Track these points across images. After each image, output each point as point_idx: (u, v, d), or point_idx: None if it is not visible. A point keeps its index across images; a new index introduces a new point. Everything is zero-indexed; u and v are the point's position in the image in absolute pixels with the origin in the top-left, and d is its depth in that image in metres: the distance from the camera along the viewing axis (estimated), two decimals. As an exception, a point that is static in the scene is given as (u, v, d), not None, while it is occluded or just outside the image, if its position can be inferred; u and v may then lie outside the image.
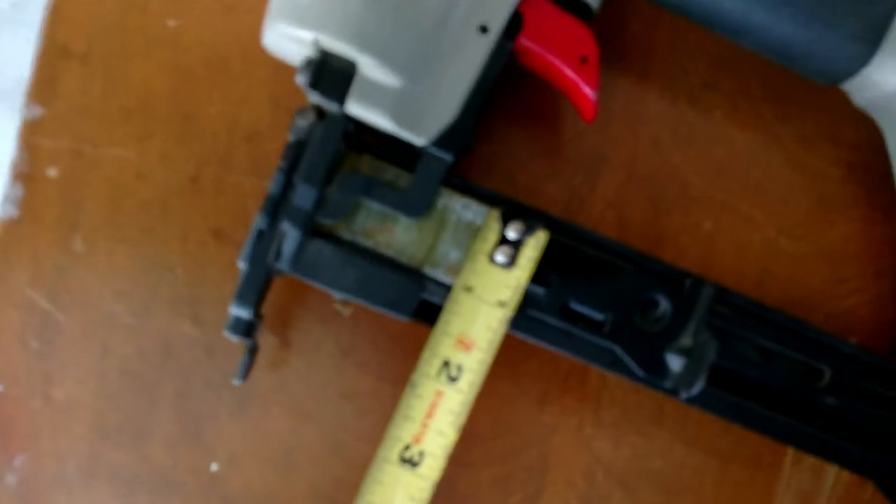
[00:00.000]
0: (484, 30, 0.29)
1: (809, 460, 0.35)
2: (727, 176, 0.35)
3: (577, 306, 0.31)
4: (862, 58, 0.30)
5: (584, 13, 0.30)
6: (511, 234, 0.30)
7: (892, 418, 0.32)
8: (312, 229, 0.29)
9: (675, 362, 0.30)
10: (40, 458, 0.33)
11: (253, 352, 0.31)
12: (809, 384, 0.32)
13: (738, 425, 0.32)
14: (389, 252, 0.30)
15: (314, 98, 0.28)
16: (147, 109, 0.33)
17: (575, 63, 0.30)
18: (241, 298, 0.29)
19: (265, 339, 0.33)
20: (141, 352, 0.33)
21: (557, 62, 0.30)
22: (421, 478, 0.29)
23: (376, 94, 0.28)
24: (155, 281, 0.33)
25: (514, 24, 0.29)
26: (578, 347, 0.31)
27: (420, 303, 0.30)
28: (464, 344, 0.30)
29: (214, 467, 0.33)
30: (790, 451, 0.35)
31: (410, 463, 0.29)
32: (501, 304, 0.30)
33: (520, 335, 0.31)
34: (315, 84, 0.27)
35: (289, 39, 0.28)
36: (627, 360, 0.31)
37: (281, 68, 0.33)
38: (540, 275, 0.30)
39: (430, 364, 0.30)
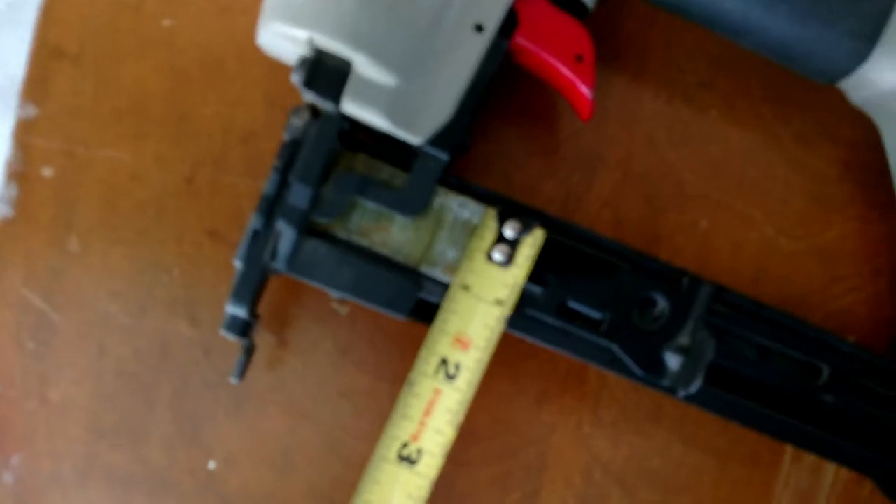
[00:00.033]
0: (479, 28, 0.29)
1: (808, 458, 0.35)
2: (723, 174, 0.35)
3: (574, 305, 0.31)
4: (859, 56, 0.30)
5: (579, 11, 0.30)
6: (508, 232, 0.30)
7: (890, 416, 0.32)
8: (308, 228, 0.29)
9: (672, 361, 0.30)
10: (36, 459, 0.33)
11: (249, 351, 0.31)
12: (807, 382, 0.32)
13: (736, 424, 0.32)
14: (385, 251, 0.30)
15: (309, 97, 0.28)
16: (141, 110, 0.33)
17: (571, 61, 0.30)
18: (237, 297, 0.29)
19: (262, 338, 0.33)
20: (137, 352, 0.33)
21: (553, 61, 0.30)
22: (419, 476, 0.29)
23: (372, 93, 0.28)
24: (151, 281, 0.33)
25: (510, 23, 0.29)
26: (576, 346, 0.31)
27: (417, 302, 0.30)
28: (461, 342, 0.30)
29: (211, 467, 0.33)
30: (789, 450, 0.35)
31: (408, 461, 0.29)
32: (499, 303, 0.30)
33: (517, 334, 0.31)
34: (310, 83, 0.27)
35: (283, 38, 0.28)
36: (625, 358, 0.31)
37: (276, 68, 0.33)
38: (537, 274, 0.30)
39: (427, 363, 0.30)
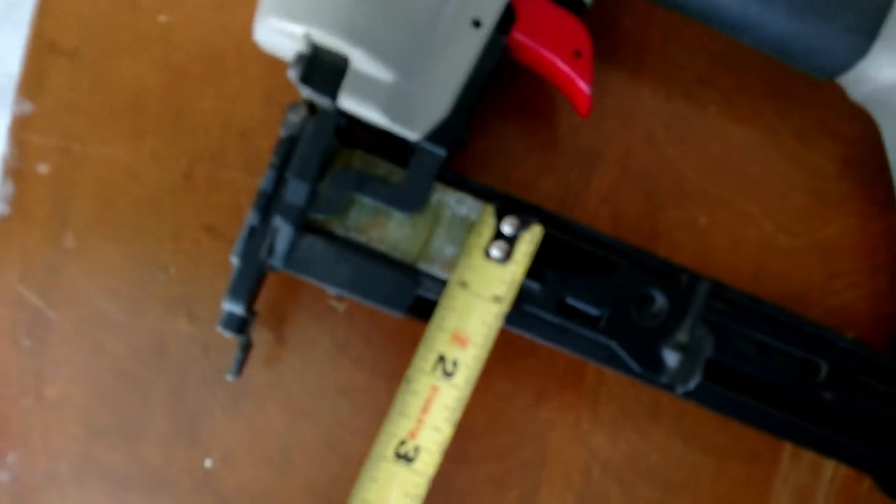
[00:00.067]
0: (477, 24, 0.29)
1: (807, 455, 0.34)
2: (722, 171, 0.35)
3: (572, 301, 0.31)
4: (858, 51, 0.30)
5: (576, 7, 0.30)
6: (506, 229, 0.30)
7: (888, 413, 0.32)
8: (305, 225, 0.29)
9: (671, 358, 0.30)
10: (32, 457, 0.33)
11: (247, 348, 0.31)
12: (806, 379, 0.32)
13: (735, 420, 0.32)
14: (383, 247, 0.30)
15: (306, 93, 0.28)
16: (138, 107, 0.33)
17: (569, 57, 0.30)
18: (234, 294, 0.29)
19: (259, 335, 0.33)
20: (134, 349, 0.33)
21: (551, 56, 0.30)
22: (416, 473, 0.29)
23: (369, 89, 0.28)
24: (147, 278, 0.33)
25: (507, 18, 0.29)
26: (574, 343, 0.31)
27: (415, 298, 0.30)
28: (459, 339, 0.30)
29: (209, 465, 0.33)
30: (787, 447, 0.35)
31: (406, 459, 0.29)
32: (497, 300, 0.30)
33: (515, 330, 0.31)
34: (306, 78, 0.27)
35: (280, 34, 0.28)
36: (624, 355, 0.31)
37: (274, 64, 0.33)
38: (535, 270, 0.30)
39: (425, 359, 0.29)
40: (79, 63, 0.33)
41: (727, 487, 0.34)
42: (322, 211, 0.29)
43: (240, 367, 0.31)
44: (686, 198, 0.35)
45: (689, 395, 0.31)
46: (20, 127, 0.33)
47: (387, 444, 0.29)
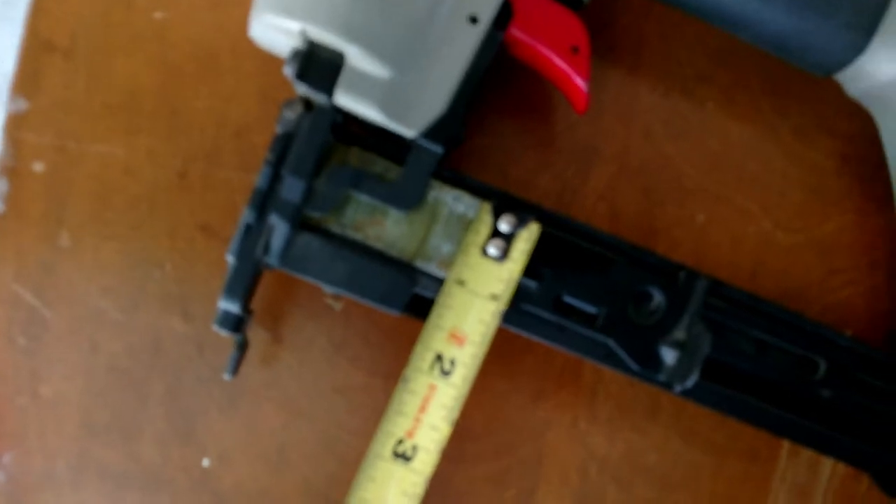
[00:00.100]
0: (473, 20, 0.29)
1: (805, 453, 0.34)
2: (721, 168, 0.35)
3: (570, 299, 0.30)
4: (856, 47, 0.30)
5: (574, 3, 0.30)
6: (503, 226, 0.30)
7: (887, 411, 0.32)
8: (301, 223, 0.29)
9: (668, 355, 0.30)
10: (28, 456, 0.33)
11: (242, 346, 0.31)
12: (804, 376, 0.32)
13: (733, 418, 0.32)
14: (380, 245, 0.30)
15: (302, 89, 0.28)
16: (133, 105, 0.33)
17: (566, 53, 0.30)
18: (230, 292, 0.29)
19: (256, 334, 0.33)
20: (129, 348, 0.33)
21: (548, 52, 0.30)
22: (414, 472, 0.29)
23: (365, 85, 0.28)
24: (143, 277, 0.33)
25: (504, 14, 0.29)
26: (572, 341, 0.31)
27: (412, 297, 0.30)
28: (456, 338, 0.29)
29: (205, 464, 0.33)
30: (786, 445, 0.34)
31: (403, 458, 0.29)
32: (494, 298, 0.30)
33: (513, 329, 0.31)
34: (302, 75, 0.27)
35: (276, 30, 0.28)
36: (621, 353, 0.30)
37: (270, 62, 0.33)
38: (532, 268, 0.30)
39: (422, 358, 0.29)
40: (74, 61, 0.33)
41: (725, 486, 0.34)
42: (318, 208, 0.29)
43: (236, 366, 0.31)
44: (684, 195, 0.35)
45: (686, 393, 0.31)
46: (15, 125, 0.33)
47: (384, 444, 0.29)
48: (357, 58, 0.27)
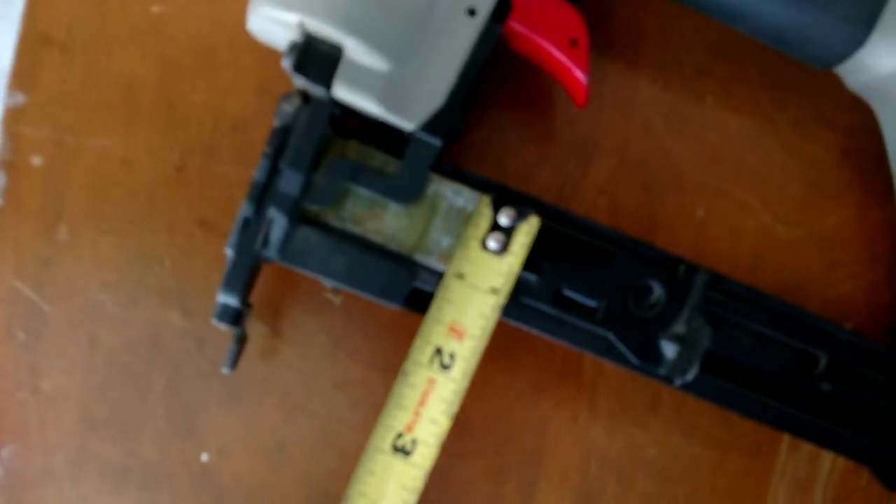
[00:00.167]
0: (472, 12, 0.28)
1: (806, 447, 0.34)
2: (721, 161, 0.35)
3: (570, 293, 0.30)
4: (856, 40, 0.30)
5: (573, -5, 0.30)
6: (503, 220, 0.29)
7: (887, 405, 0.32)
8: (300, 216, 0.29)
9: (668, 349, 0.30)
10: (28, 451, 0.33)
11: (241, 340, 0.31)
12: (805, 370, 0.32)
13: (733, 412, 0.31)
14: (379, 239, 0.30)
15: (300, 82, 0.28)
16: (131, 98, 0.33)
17: (565, 46, 0.29)
18: (229, 286, 0.28)
19: (255, 329, 0.33)
20: (129, 343, 0.33)
21: (547, 45, 0.30)
22: (413, 466, 0.29)
23: (363, 78, 0.28)
24: (141, 271, 0.33)
25: (503, 7, 0.29)
26: (572, 335, 0.31)
27: (411, 290, 0.30)
28: (456, 332, 0.29)
29: (205, 458, 0.33)
30: (786, 439, 0.34)
31: (403, 452, 0.29)
32: (494, 291, 0.30)
33: (512, 322, 0.31)
34: (300, 68, 0.27)
35: (274, 23, 0.28)
36: (621, 347, 0.30)
37: (268, 55, 0.33)
38: (532, 262, 0.30)
39: (422, 352, 0.29)
40: (71, 55, 0.33)
41: (726, 480, 0.34)
42: (317, 202, 0.29)
43: (235, 360, 0.31)
44: (684, 188, 0.34)
45: (687, 386, 0.31)
46: (13, 119, 0.33)
47: (384, 437, 0.29)
48: (355, 50, 0.27)
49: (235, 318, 0.29)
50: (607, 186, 0.34)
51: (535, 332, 0.31)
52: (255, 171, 0.28)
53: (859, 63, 0.30)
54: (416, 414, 0.29)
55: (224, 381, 0.33)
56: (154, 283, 0.33)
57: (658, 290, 0.31)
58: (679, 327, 0.30)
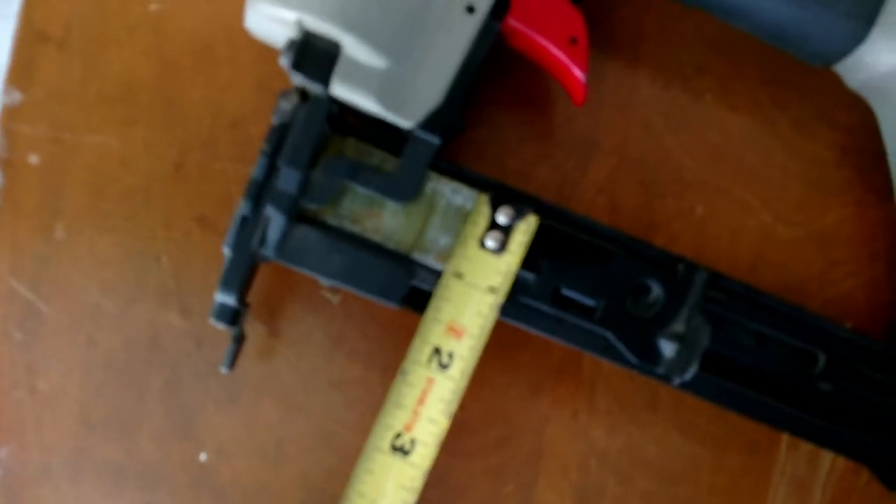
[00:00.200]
0: (470, 10, 0.28)
1: (805, 447, 0.34)
2: (720, 160, 0.35)
3: (568, 292, 0.30)
4: (856, 37, 0.29)
5: (572, -7, 0.30)
6: (501, 218, 0.29)
7: (887, 403, 0.32)
8: (298, 214, 0.29)
9: (667, 348, 0.30)
10: (25, 451, 0.32)
11: (239, 340, 0.31)
12: (804, 369, 0.32)
13: (733, 411, 0.31)
14: (377, 237, 0.30)
15: (298, 80, 0.28)
16: (129, 96, 0.33)
17: (564, 44, 0.29)
18: (226, 285, 0.28)
19: (253, 328, 0.33)
20: (127, 342, 0.33)
21: (546, 43, 0.29)
22: (412, 466, 0.29)
23: (361, 76, 0.28)
24: (139, 270, 0.33)
25: (502, 4, 0.29)
26: (570, 334, 0.31)
27: (409, 289, 0.29)
28: (454, 331, 0.29)
29: (203, 459, 0.33)
30: (785, 438, 0.34)
31: (402, 451, 0.29)
32: (492, 290, 0.29)
33: (511, 322, 0.30)
34: (298, 65, 0.27)
35: (271, 20, 0.28)
36: (620, 346, 0.30)
37: (266, 52, 0.32)
38: (530, 261, 0.30)
39: (420, 351, 0.29)
40: (68, 52, 0.33)
41: (725, 479, 0.34)
42: (314, 200, 0.29)
43: (233, 360, 0.31)
44: (684, 187, 0.34)
45: (686, 385, 0.31)
46: (9, 117, 0.33)
47: (382, 437, 0.29)
48: (353, 48, 0.27)
49: (233, 317, 0.29)
50: (606, 185, 0.34)
51: (533, 331, 0.31)
52: (253, 169, 0.28)
53: (859, 60, 0.30)
54: (415, 413, 0.29)
55: (222, 381, 0.33)
56: (152, 281, 0.33)
57: (657, 289, 0.31)
58: (678, 326, 0.30)
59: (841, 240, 0.35)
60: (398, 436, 0.29)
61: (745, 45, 0.34)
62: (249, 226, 0.28)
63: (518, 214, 0.29)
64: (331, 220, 0.29)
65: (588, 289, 0.30)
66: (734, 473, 0.34)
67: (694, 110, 0.34)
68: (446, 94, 0.28)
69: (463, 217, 0.30)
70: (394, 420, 0.29)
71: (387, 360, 0.33)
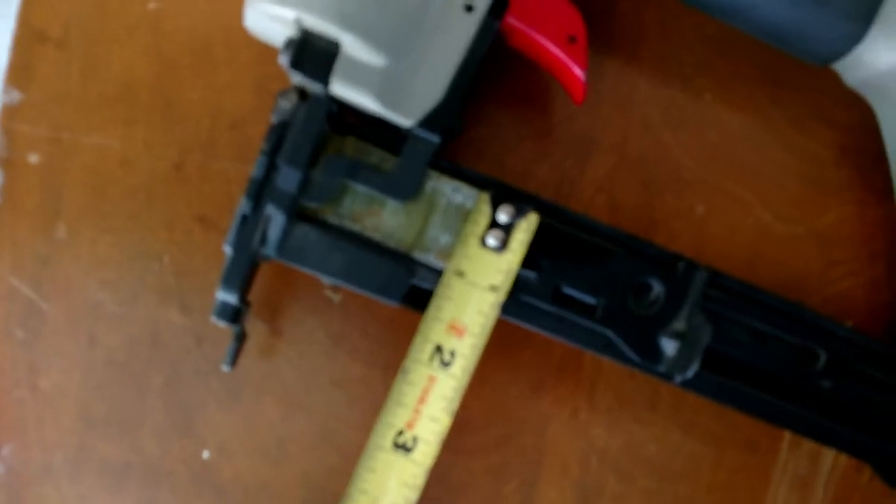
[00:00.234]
0: (469, 8, 0.28)
1: (806, 445, 0.34)
2: (719, 158, 0.35)
3: (569, 291, 0.30)
4: (854, 36, 0.29)
5: (571, -8, 0.30)
6: (502, 217, 0.29)
7: (888, 401, 0.32)
8: (298, 213, 0.29)
9: (668, 346, 0.30)
10: (27, 449, 0.32)
11: (241, 338, 0.31)
12: (805, 367, 0.32)
13: (734, 409, 0.31)
14: (377, 236, 0.30)
15: (297, 79, 0.28)
16: (128, 96, 0.33)
17: (563, 42, 0.29)
18: (227, 283, 0.28)
19: (254, 326, 0.33)
20: (128, 341, 0.33)
21: (545, 42, 0.30)
22: (414, 464, 0.29)
23: (361, 74, 0.28)
24: (140, 269, 0.33)
25: (501, 3, 0.29)
26: (571, 332, 0.31)
27: (410, 288, 0.29)
28: (456, 329, 0.29)
29: (205, 456, 0.33)
30: (787, 436, 0.34)
31: (404, 449, 0.29)
32: (493, 289, 0.29)
33: (512, 320, 0.30)
34: (297, 64, 0.27)
35: (270, 19, 0.28)
36: (621, 344, 0.30)
37: (265, 52, 0.32)
38: (531, 259, 0.30)
39: (422, 350, 0.29)
40: (67, 52, 0.33)
41: (725, 477, 0.34)
42: (315, 199, 0.29)
43: (234, 358, 0.31)
44: (683, 186, 0.34)
45: (687, 383, 0.31)
46: (9, 116, 0.33)
47: (384, 435, 0.29)
48: (352, 46, 0.27)
49: (234, 315, 0.29)
50: (606, 183, 0.34)
51: (534, 329, 0.31)
52: (253, 168, 0.28)
53: (857, 59, 0.30)
54: (417, 411, 0.29)
55: (223, 379, 0.33)
56: (153, 280, 0.33)
57: (657, 288, 0.31)
58: (679, 324, 0.30)
59: (840, 239, 0.35)
60: (400, 434, 0.29)
61: (744, 44, 0.34)
62: (250, 224, 0.29)
63: (519, 213, 0.29)
64: (331, 218, 0.29)
65: (589, 287, 0.30)
66: (735, 471, 0.34)
67: (693, 109, 0.35)
68: (446, 93, 0.28)
69: (463, 215, 0.30)
70: (395, 418, 0.29)
71: (388, 359, 0.33)
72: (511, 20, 0.29)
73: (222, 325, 0.29)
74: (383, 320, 0.33)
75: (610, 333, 0.30)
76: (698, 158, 0.35)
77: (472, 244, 0.30)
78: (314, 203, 0.29)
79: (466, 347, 0.29)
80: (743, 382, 0.31)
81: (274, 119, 0.29)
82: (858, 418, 0.32)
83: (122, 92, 0.33)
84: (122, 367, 0.33)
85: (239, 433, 0.33)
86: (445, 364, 0.29)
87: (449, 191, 0.30)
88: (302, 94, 0.29)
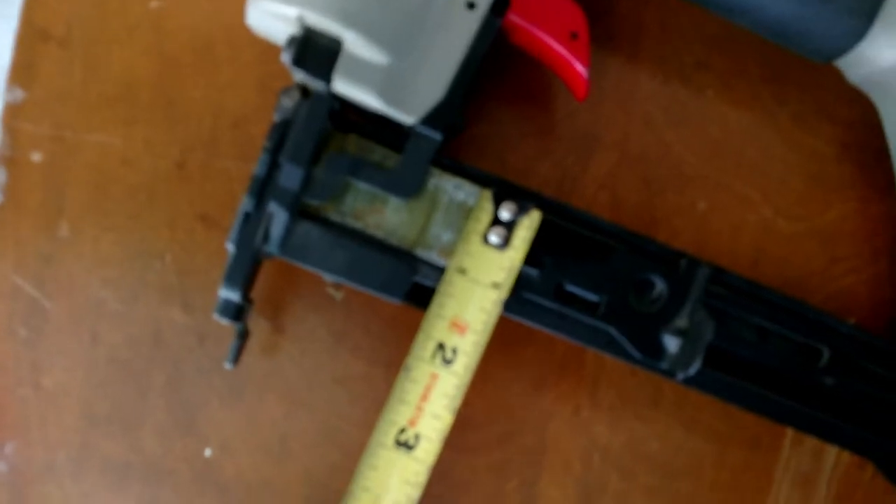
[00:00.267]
0: (471, 6, 0.28)
1: (809, 442, 0.34)
2: (721, 155, 0.35)
3: (571, 287, 0.30)
4: (857, 33, 0.29)
5: (573, -11, 0.30)
6: (504, 214, 0.29)
7: (891, 398, 0.32)
8: (300, 211, 0.29)
9: (671, 343, 0.30)
10: (30, 447, 0.33)
11: (243, 336, 0.31)
12: (807, 364, 0.32)
13: (736, 406, 0.31)
14: (380, 234, 0.30)
15: (299, 76, 0.28)
16: (130, 95, 0.33)
17: (565, 39, 0.29)
18: (230, 281, 0.28)
19: (257, 324, 0.33)
20: (130, 339, 0.33)
21: (547, 38, 0.30)
22: (416, 461, 0.29)
23: (363, 72, 0.28)
24: (143, 267, 0.33)
25: (502, 0, 0.29)
26: (573, 329, 0.31)
27: (412, 285, 0.29)
28: (458, 326, 0.29)
29: (208, 454, 0.33)
30: (789, 433, 0.34)
31: (406, 446, 0.29)
32: (495, 286, 0.29)
33: (514, 317, 0.30)
34: (299, 61, 0.27)
35: (272, 17, 0.28)
36: (623, 341, 0.30)
37: (267, 50, 0.32)
38: (533, 256, 0.30)
39: (424, 347, 0.29)
40: (70, 50, 0.33)
41: (728, 474, 0.34)
42: (317, 196, 0.29)
43: (237, 355, 0.31)
44: (685, 182, 0.34)
45: (689, 380, 0.31)
46: (12, 115, 0.33)
47: (386, 432, 0.29)
48: (354, 44, 0.27)
49: (237, 313, 0.29)
50: (608, 180, 0.34)
51: (536, 326, 0.31)
52: (255, 166, 0.28)
53: (860, 56, 0.30)
54: (419, 409, 0.29)
55: (225, 377, 0.33)
56: (155, 279, 0.33)
57: (660, 285, 0.31)
58: (681, 321, 0.30)
59: (843, 235, 0.35)
60: (402, 431, 0.29)
61: (746, 40, 0.34)
62: (252, 222, 0.29)
63: (521, 210, 0.29)
64: (333, 216, 0.29)
65: (591, 284, 0.30)
66: (737, 469, 0.34)
67: (695, 106, 0.35)
68: (448, 90, 0.28)
69: (465, 213, 0.30)
70: (397, 416, 0.29)
71: (390, 356, 0.33)
72: (513, 17, 0.29)
73: (225, 322, 0.30)
74: (385, 318, 0.33)
75: (612, 330, 0.30)
76: (700, 155, 0.35)
77: (475, 241, 0.30)
78: (316, 200, 0.29)
79: (468, 345, 0.29)
80: (745, 379, 0.31)
81: (276, 117, 0.29)
82: (861, 415, 0.32)
83: (125, 90, 0.33)
84: (125, 366, 0.33)
85: (241, 431, 0.33)
86: (447, 361, 0.29)
87: (451, 188, 0.30)
88: (304, 91, 0.29)
